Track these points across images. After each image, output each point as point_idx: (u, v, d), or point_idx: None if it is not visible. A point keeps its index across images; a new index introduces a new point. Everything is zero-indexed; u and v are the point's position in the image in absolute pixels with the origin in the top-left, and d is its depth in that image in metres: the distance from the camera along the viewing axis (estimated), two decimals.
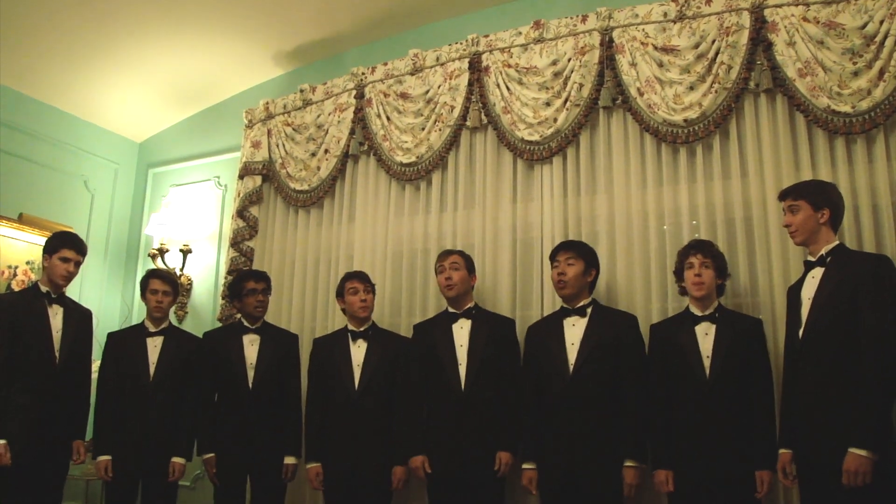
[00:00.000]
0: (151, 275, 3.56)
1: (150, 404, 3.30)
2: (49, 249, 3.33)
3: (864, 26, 2.89)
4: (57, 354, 3.23)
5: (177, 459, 3.30)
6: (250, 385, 3.33)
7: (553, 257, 3.04)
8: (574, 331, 2.91)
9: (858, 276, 2.38)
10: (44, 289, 3.31)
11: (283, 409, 3.38)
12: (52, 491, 3.23)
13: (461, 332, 3.15)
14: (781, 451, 2.52)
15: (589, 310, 2.95)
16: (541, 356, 2.95)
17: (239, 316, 3.58)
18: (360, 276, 3.40)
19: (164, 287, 3.48)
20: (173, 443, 3.32)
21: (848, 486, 2.21)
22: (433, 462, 3.04)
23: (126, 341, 3.45)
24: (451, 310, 3.23)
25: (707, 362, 2.66)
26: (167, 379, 3.36)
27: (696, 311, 2.77)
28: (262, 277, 3.55)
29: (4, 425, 3.04)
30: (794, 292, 2.62)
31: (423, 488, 3.20)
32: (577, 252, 2.98)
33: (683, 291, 2.87)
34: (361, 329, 3.34)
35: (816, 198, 2.54)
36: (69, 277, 3.33)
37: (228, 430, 3.30)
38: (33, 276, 4.36)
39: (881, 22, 2.86)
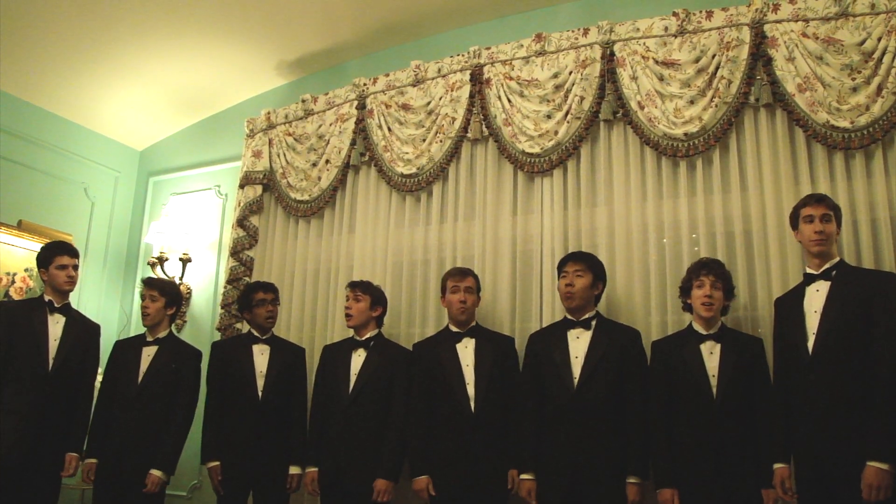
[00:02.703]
0: (142, 281, 3.62)
1: (135, 413, 3.28)
2: (43, 262, 3.37)
3: (863, 43, 2.92)
4: (50, 361, 3.23)
5: (155, 472, 3.22)
6: (260, 394, 3.34)
7: (562, 267, 3.03)
8: (578, 343, 2.90)
9: (870, 291, 2.41)
10: (47, 298, 3.35)
11: (289, 419, 3.39)
12: (45, 499, 3.21)
13: (465, 350, 3.13)
14: (777, 465, 2.51)
15: (593, 323, 2.94)
16: (544, 367, 2.93)
17: (240, 326, 3.61)
18: (353, 285, 3.44)
19: (151, 292, 3.47)
20: (154, 455, 3.25)
21: (868, 500, 2.20)
22: (438, 483, 3.00)
23: (124, 349, 3.47)
24: (453, 328, 3.22)
25: (714, 381, 2.65)
26: (153, 389, 3.33)
27: (701, 330, 2.76)
28: (271, 288, 3.59)
29: None
30: (790, 305, 2.62)
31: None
32: (586, 264, 2.99)
33: (687, 308, 2.86)
34: (363, 338, 3.35)
35: (839, 213, 2.62)
36: (73, 282, 3.39)
37: (235, 439, 3.29)
38: (32, 284, 4.36)
39: (879, 39, 2.90)
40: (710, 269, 2.77)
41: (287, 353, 3.52)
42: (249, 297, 3.52)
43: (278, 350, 3.49)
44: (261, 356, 3.43)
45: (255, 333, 3.51)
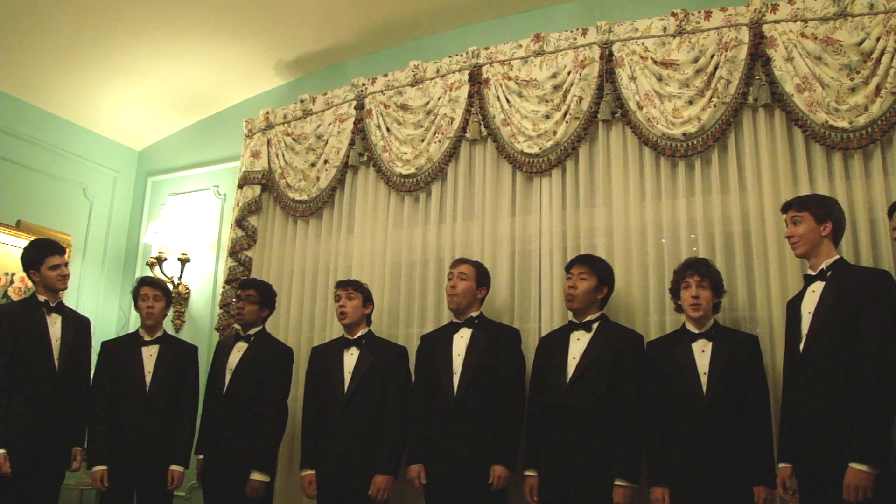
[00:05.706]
0: (141, 282, 3.58)
1: (148, 414, 3.30)
2: (32, 264, 3.33)
3: (861, 43, 2.92)
4: (57, 362, 3.24)
5: (175, 467, 3.32)
6: (224, 391, 3.40)
7: (568, 269, 3.04)
8: (578, 345, 2.91)
9: (859, 291, 2.39)
10: (41, 298, 3.33)
11: (257, 419, 3.35)
12: (48, 498, 3.21)
13: (461, 341, 3.14)
14: (781, 465, 2.52)
15: (595, 325, 2.94)
16: (544, 368, 2.96)
17: (238, 326, 3.66)
18: (343, 284, 3.43)
19: (155, 292, 3.49)
20: (171, 451, 3.33)
21: (849, 501, 2.20)
22: (428, 471, 3.01)
23: (120, 350, 3.44)
24: (454, 319, 3.24)
25: (704, 379, 2.66)
26: (163, 388, 3.37)
27: (693, 329, 2.77)
28: (249, 286, 3.63)
29: (5, 434, 3.02)
30: (793, 306, 2.62)
31: (421, 497, 3.17)
32: (591, 268, 2.99)
33: (679, 308, 2.87)
34: (355, 337, 3.35)
35: (819, 210, 2.56)
36: (66, 279, 3.38)
37: (212, 435, 3.38)
38: (30, 284, 4.34)
39: (878, 39, 2.89)
40: (695, 270, 2.78)
41: (266, 351, 3.48)
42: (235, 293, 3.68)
43: (256, 348, 3.48)
44: (236, 353, 3.47)
45: (240, 331, 3.58)
